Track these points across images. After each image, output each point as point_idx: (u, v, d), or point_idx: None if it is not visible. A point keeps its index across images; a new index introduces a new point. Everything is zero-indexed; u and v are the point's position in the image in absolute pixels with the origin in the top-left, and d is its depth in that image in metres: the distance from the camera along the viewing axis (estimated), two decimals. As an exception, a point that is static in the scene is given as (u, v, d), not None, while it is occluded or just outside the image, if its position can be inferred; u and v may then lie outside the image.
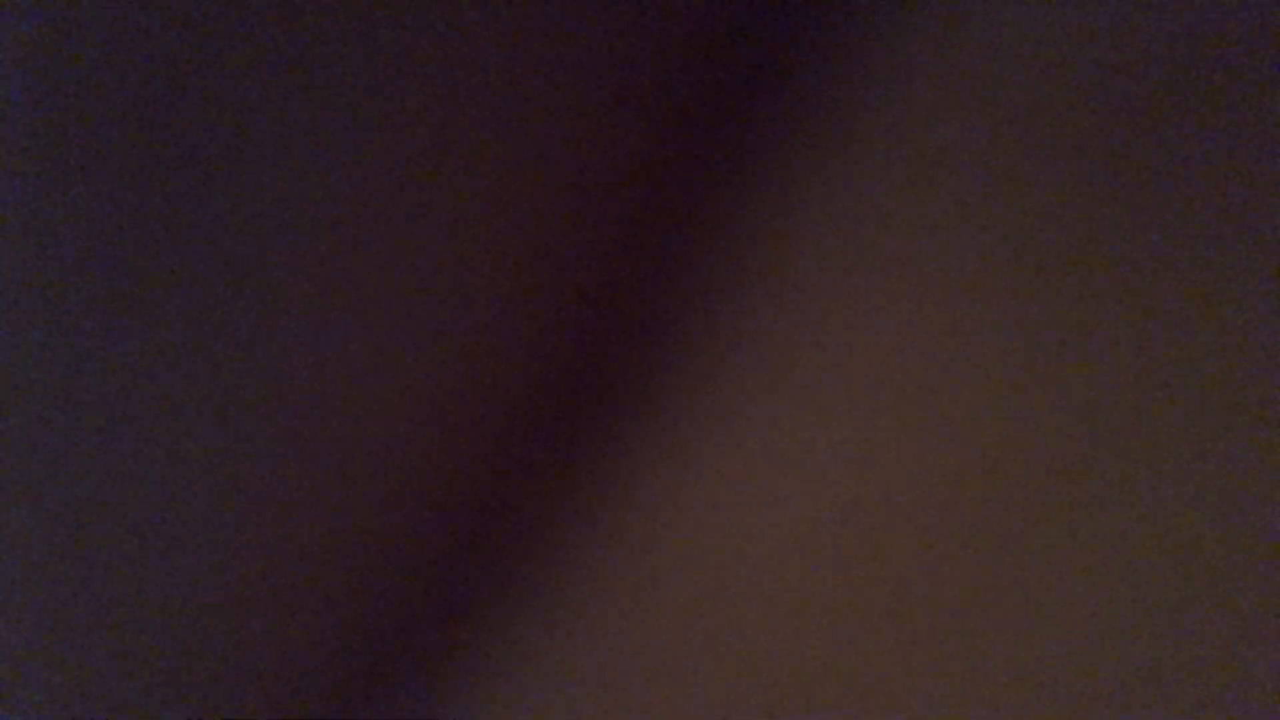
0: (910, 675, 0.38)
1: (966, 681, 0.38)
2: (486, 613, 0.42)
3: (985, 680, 0.38)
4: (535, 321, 0.41)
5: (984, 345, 0.39)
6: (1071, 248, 0.39)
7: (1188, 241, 0.38)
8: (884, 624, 0.39)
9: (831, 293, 0.41)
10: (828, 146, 0.41)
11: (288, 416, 0.39)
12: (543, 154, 0.40)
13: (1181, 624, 0.36)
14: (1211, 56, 0.39)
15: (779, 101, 0.42)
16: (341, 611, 0.41)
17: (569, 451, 0.42)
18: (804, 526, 0.40)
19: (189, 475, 0.39)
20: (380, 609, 0.41)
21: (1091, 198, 0.39)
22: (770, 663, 0.39)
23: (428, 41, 0.39)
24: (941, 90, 0.41)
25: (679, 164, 0.42)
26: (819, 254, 0.41)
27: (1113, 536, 0.37)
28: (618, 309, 0.42)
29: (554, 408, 0.42)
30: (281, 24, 0.37)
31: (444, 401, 0.41)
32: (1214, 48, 0.39)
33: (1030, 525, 0.38)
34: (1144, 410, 0.38)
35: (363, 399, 0.40)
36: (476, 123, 0.39)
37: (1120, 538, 0.37)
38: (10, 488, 0.39)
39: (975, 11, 0.41)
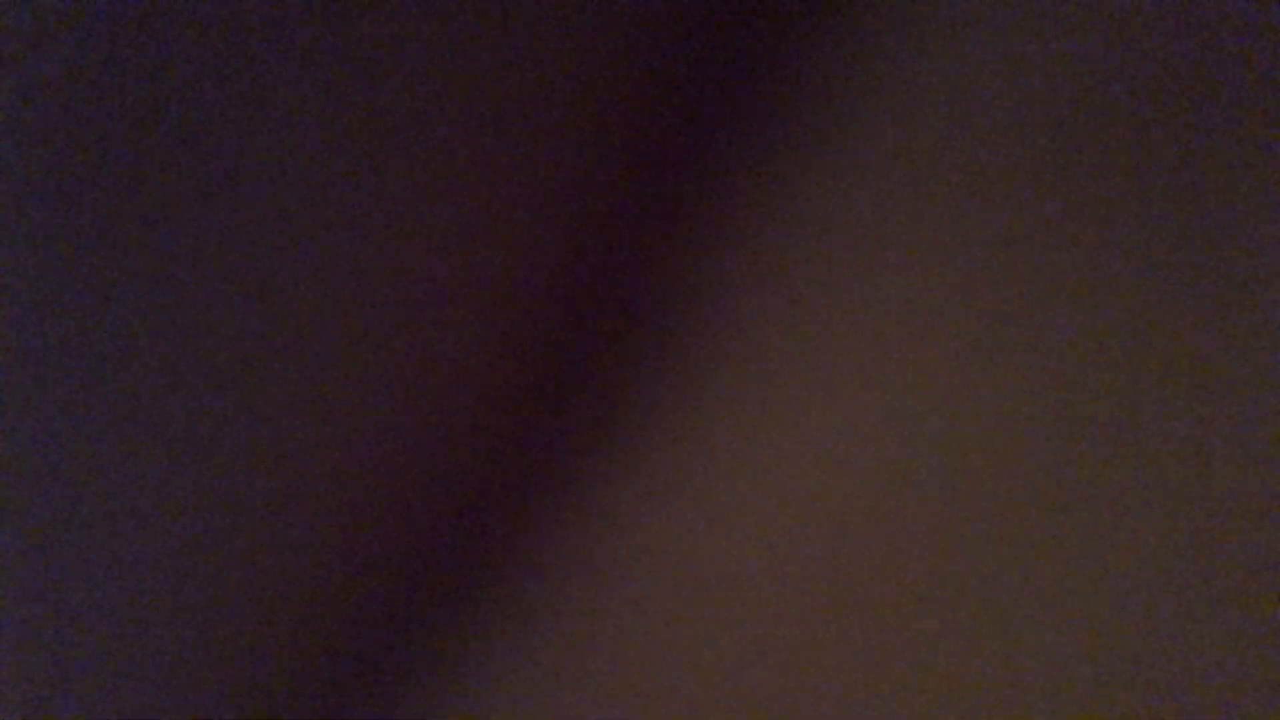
0: (903, 675, 0.38)
1: (958, 681, 0.38)
2: (481, 614, 0.42)
3: (977, 679, 0.38)
4: (529, 323, 0.41)
5: (979, 347, 0.39)
6: (1068, 250, 0.39)
7: (1186, 240, 0.38)
8: (878, 624, 0.39)
9: (825, 295, 0.41)
10: (822, 149, 0.41)
11: (287, 416, 0.39)
12: (539, 155, 0.40)
13: (1180, 623, 0.37)
14: (1210, 57, 0.39)
15: (775, 103, 0.42)
16: (338, 612, 0.41)
17: (562, 453, 0.42)
18: (799, 527, 0.40)
19: (189, 475, 0.39)
20: (375, 610, 0.41)
21: (1088, 199, 0.39)
22: (764, 662, 0.39)
23: (430, 44, 0.38)
24: (937, 92, 0.41)
25: (672, 166, 0.42)
26: (814, 256, 0.41)
27: (1105, 536, 0.38)
28: (610, 311, 0.42)
29: (548, 410, 0.42)
30: (282, 25, 0.37)
31: (439, 403, 0.41)
32: (1212, 48, 0.39)
33: (1024, 526, 0.38)
34: (1137, 411, 0.38)
35: (359, 400, 0.40)
36: (475, 124, 0.39)
37: (1114, 537, 0.37)
38: (14, 488, 0.38)
39: (972, 13, 0.41)
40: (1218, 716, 0.36)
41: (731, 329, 0.41)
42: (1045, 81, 0.40)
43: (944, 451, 0.39)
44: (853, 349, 0.40)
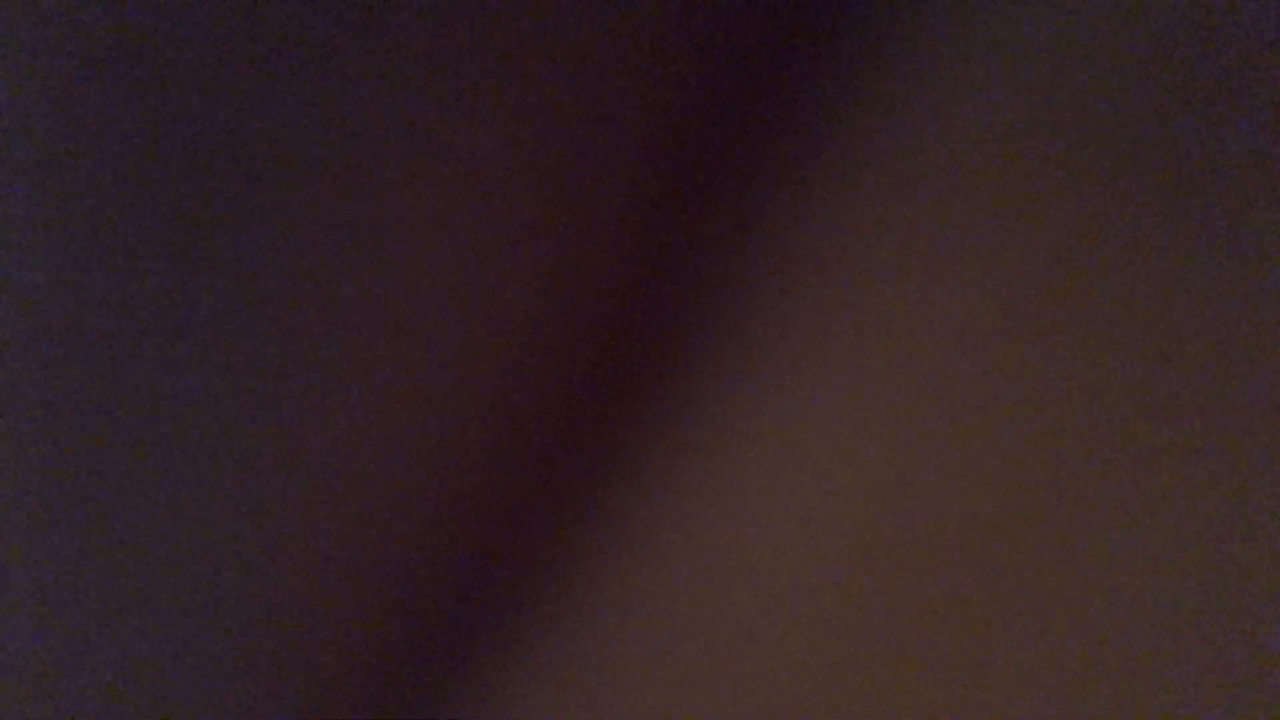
0: (916, 674, 0.38)
1: (973, 680, 0.38)
2: (496, 616, 0.42)
3: (991, 679, 0.38)
4: (544, 329, 0.42)
5: (990, 347, 0.39)
6: (1078, 249, 0.39)
7: (1193, 240, 0.38)
8: (891, 624, 0.39)
9: (840, 296, 0.41)
10: (837, 151, 0.41)
11: (302, 424, 0.40)
12: (552, 161, 0.40)
13: (1185, 622, 0.36)
14: (1216, 57, 0.39)
15: (788, 107, 0.42)
16: (352, 616, 0.41)
17: (578, 456, 0.42)
18: (812, 529, 0.40)
19: (203, 483, 0.40)
20: (392, 614, 0.41)
21: (1098, 198, 0.39)
22: (779, 662, 0.39)
23: (446, 48, 0.39)
24: (948, 93, 0.41)
25: (687, 170, 0.42)
26: (828, 257, 0.41)
27: (1116, 536, 0.37)
28: (623, 317, 0.42)
29: (564, 413, 0.42)
30: (295, 32, 0.38)
31: (455, 410, 0.41)
32: (1218, 49, 0.39)
33: (1035, 525, 0.38)
34: (1149, 412, 0.38)
35: (373, 406, 0.40)
36: (487, 130, 0.39)
37: (1124, 537, 0.37)
38: (27, 494, 0.39)
39: (982, 13, 0.41)
40: (1221, 717, 0.35)
41: (749, 335, 0.41)
42: (1058, 88, 0.40)
43: (956, 455, 0.39)
44: (866, 353, 0.40)
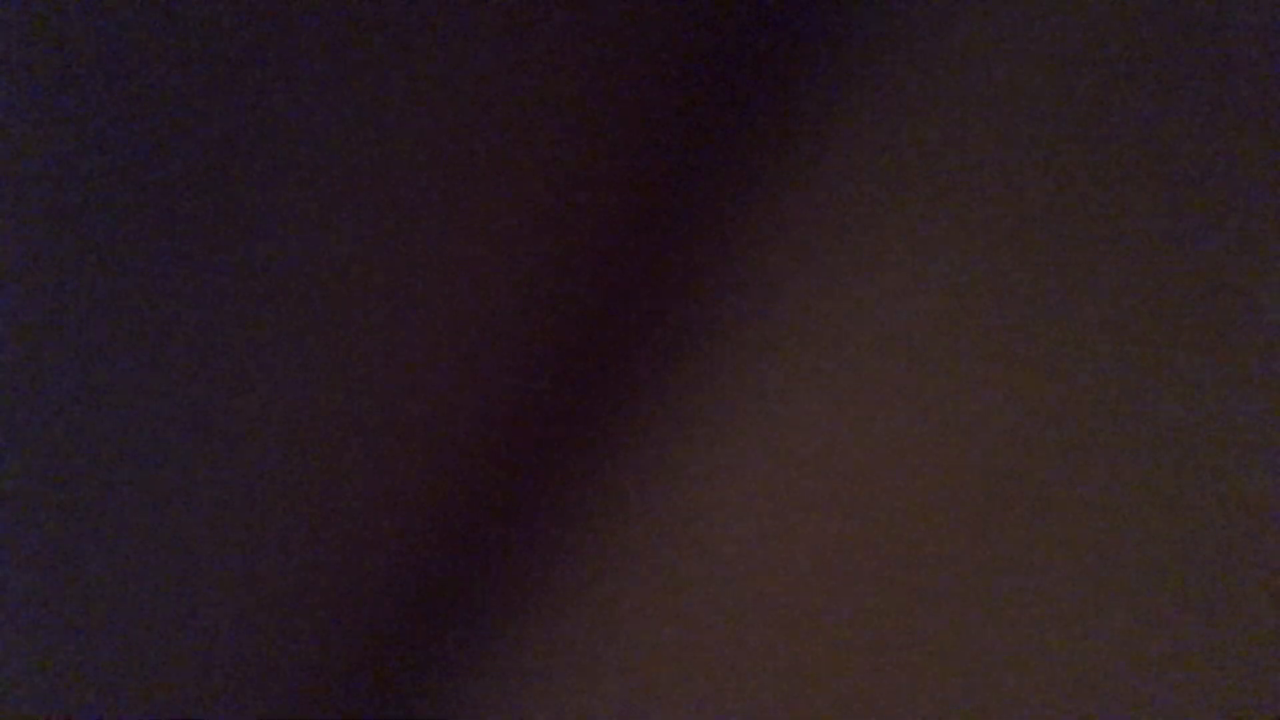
0: (917, 671, 0.38)
1: (974, 677, 0.38)
2: (492, 614, 0.42)
3: (992, 676, 0.38)
4: (534, 326, 0.42)
5: (988, 343, 0.39)
6: (1072, 243, 0.39)
7: (1187, 236, 0.38)
8: (892, 621, 0.39)
9: (838, 293, 0.41)
10: (833, 145, 0.41)
11: (296, 420, 0.40)
12: (546, 157, 0.40)
13: (1181, 620, 0.36)
14: (1209, 55, 0.39)
15: (783, 102, 0.42)
16: (349, 614, 0.41)
17: (575, 453, 0.42)
18: (811, 526, 0.40)
19: (197, 480, 0.39)
20: (387, 613, 0.41)
21: (1091, 194, 0.39)
22: (778, 660, 0.39)
23: (436, 47, 0.39)
24: (938, 89, 0.41)
25: (684, 165, 0.42)
26: (825, 254, 0.41)
27: (1114, 534, 0.38)
28: (624, 311, 0.42)
29: (561, 410, 0.42)
30: (290, 31, 0.38)
31: (452, 404, 0.41)
32: (1212, 47, 0.39)
33: (1034, 523, 0.38)
34: (1145, 408, 0.38)
35: (370, 404, 0.40)
36: (482, 127, 0.39)
37: (1122, 535, 0.37)
38: (20, 492, 0.39)
39: (969, 11, 0.41)
40: (1217, 715, 0.36)
41: (737, 332, 0.41)
42: (1047, 85, 0.40)
43: (941, 449, 0.39)
44: (857, 348, 0.41)
